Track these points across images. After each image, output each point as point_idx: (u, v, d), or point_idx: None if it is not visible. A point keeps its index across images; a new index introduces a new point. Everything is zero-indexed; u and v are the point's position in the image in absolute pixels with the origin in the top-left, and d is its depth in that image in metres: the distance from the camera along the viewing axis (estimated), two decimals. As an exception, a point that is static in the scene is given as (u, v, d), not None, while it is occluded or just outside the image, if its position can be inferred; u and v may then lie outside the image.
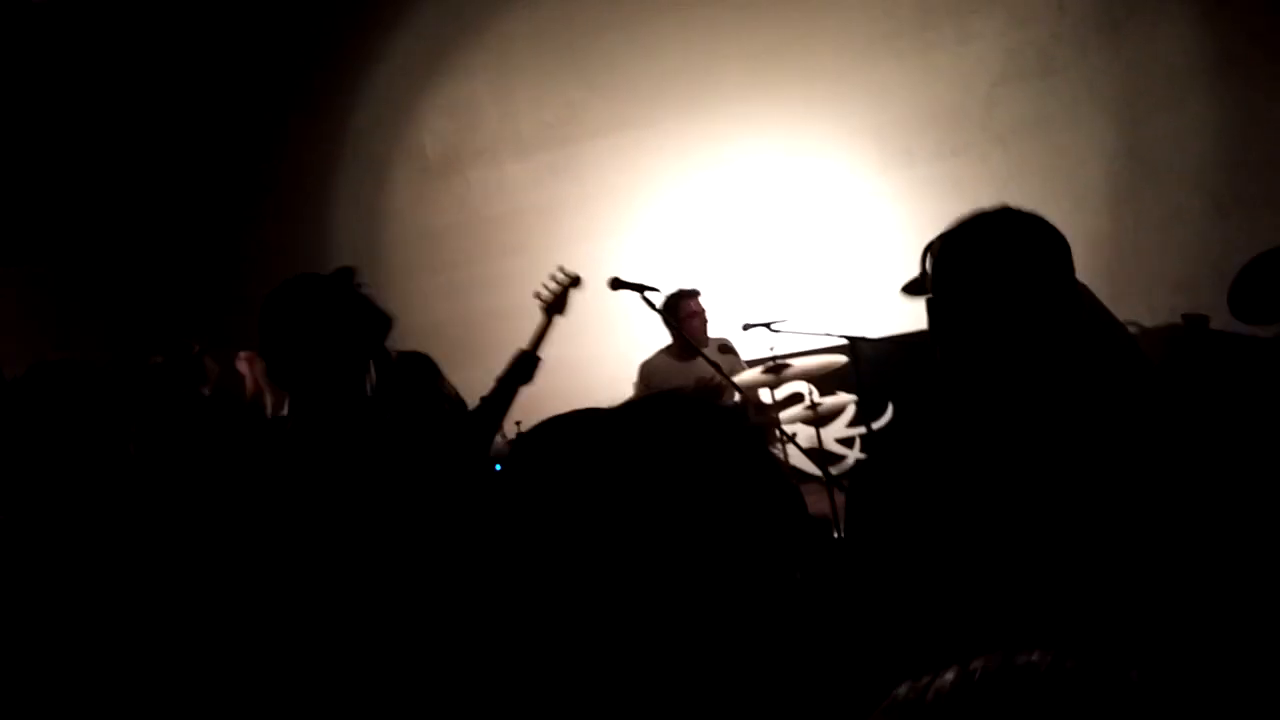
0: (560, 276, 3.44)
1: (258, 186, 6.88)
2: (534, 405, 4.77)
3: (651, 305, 4.31)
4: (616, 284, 4.16)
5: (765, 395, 4.93)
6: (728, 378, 4.62)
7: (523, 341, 3.41)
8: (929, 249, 1.68)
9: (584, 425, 1.13)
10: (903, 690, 0.64)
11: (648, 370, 5.16)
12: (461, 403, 3.25)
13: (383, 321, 2.98)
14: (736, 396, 4.75)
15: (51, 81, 6.49)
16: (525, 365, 3.25)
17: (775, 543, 1.10)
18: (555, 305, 3.41)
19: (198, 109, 6.82)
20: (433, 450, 2.33)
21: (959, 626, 1.45)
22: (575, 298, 3.47)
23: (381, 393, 2.15)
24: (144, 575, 1.96)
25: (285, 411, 4.17)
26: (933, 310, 1.66)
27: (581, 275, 3.50)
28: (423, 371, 3.17)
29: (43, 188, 6.48)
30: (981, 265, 1.60)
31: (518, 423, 4.76)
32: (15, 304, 6.32)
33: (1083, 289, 3.72)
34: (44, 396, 2.06)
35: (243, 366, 4.20)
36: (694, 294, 5.09)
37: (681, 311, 4.98)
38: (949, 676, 0.63)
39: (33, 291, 6.44)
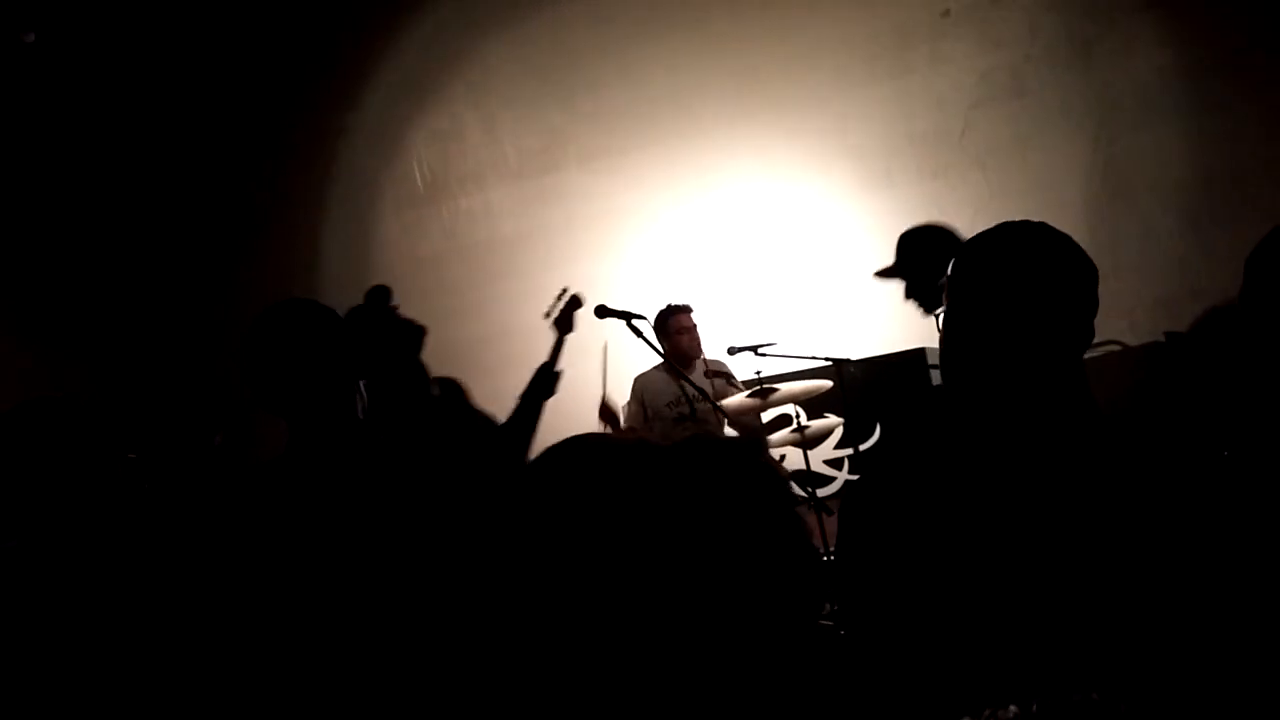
0: (564, 298, 3.64)
1: (248, 216, 6.90)
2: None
3: (637, 332, 4.35)
4: (602, 312, 4.20)
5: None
6: (713, 401, 4.65)
7: (515, 364, 3.51)
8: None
9: (615, 456, 1.14)
10: None
11: (639, 385, 5.23)
12: (493, 421, 3.34)
13: (415, 332, 3.07)
14: (727, 421, 4.79)
15: (41, 114, 6.49)
16: (545, 379, 3.36)
17: (790, 594, 1.12)
18: (562, 324, 3.59)
19: (188, 140, 6.84)
20: (454, 469, 2.37)
21: (956, 652, 1.44)
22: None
23: (384, 414, 2.18)
24: (141, 603, 1.98)
25: None
26: (947, 318, 1.60)
27: (580, 295, 3.68)
28: (454, 394, 3.26)
29: (33, 216, 6.48)
30: (1004, 283, 1.54)
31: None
32: (5, 337, 6.29)
33: None
34: (29, 434, 2.08)
35: None
36: (683, 309, 5.13)
37: (670, 327, 5.05)
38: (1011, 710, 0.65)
39: (22, 321, 6.42)
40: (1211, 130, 5.43)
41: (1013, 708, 0.66)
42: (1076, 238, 1.63)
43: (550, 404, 3.39)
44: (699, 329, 5.16)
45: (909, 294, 3.67)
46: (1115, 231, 5.49)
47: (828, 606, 3.99)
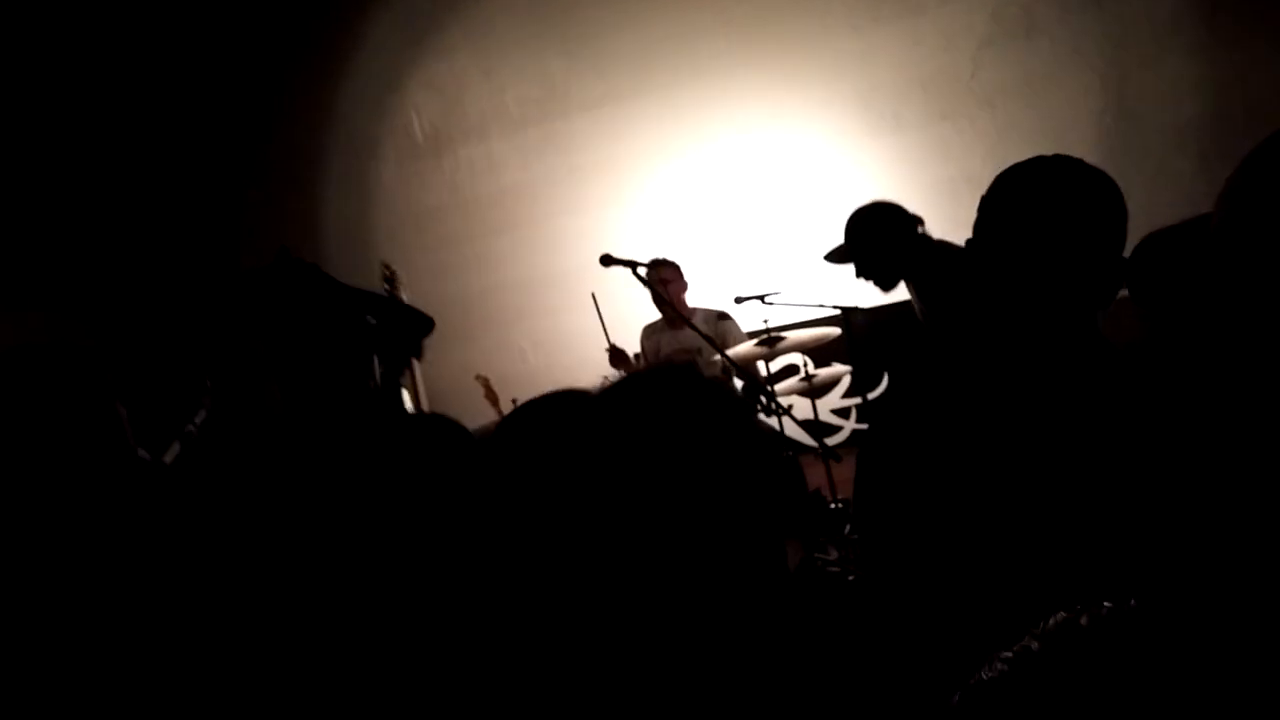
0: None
1: (246, 170, 6.84)
2: (530, 382, 4.77)
3: (642, 280, 4.33)
4: (607, 260, 4.18)
5: (760, 368, 4.93)
6: (718, 347, 4.62)
7: (518, 317, 3.48)
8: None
9: (570, 407, 1.12)
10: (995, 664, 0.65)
11: (643, 335, 5.27)
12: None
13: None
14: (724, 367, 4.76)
15: (34, 60, 6.42)
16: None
17: (770, 517, 1.09)
18: None
19: (184, 94, 6.76)
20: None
21: (977, 605, 1.43)
22: (568, 273, 3.56)
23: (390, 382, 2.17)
24: (142, 567, 1.95)
25: None
26: (973, 254, 1.56)
27: (571, 251, 3.64)
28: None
29: (30, 170, 6.43)
30: (1033, 218, 1.50)
31: (514, 400, 4.78)
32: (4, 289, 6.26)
33: None
34: (24, 380, 2.05)
35: None
36: (660, 264, 5.06)
37: (649, 280, 5.04)
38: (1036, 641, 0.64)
39: (20, 275, 6.38)
40: (1224, 67, 5.35)
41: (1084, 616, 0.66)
42: (1087, 179, 1.59)
43: (557, 359, 3.37)
44: (679, 281, 5.10)
45: (860, 273, 3.62)
46: (1127, 172, 5.33)
47: (833, 552, 3.98)
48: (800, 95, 6.03)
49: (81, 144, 6.58)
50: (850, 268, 3.62)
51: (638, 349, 5.30)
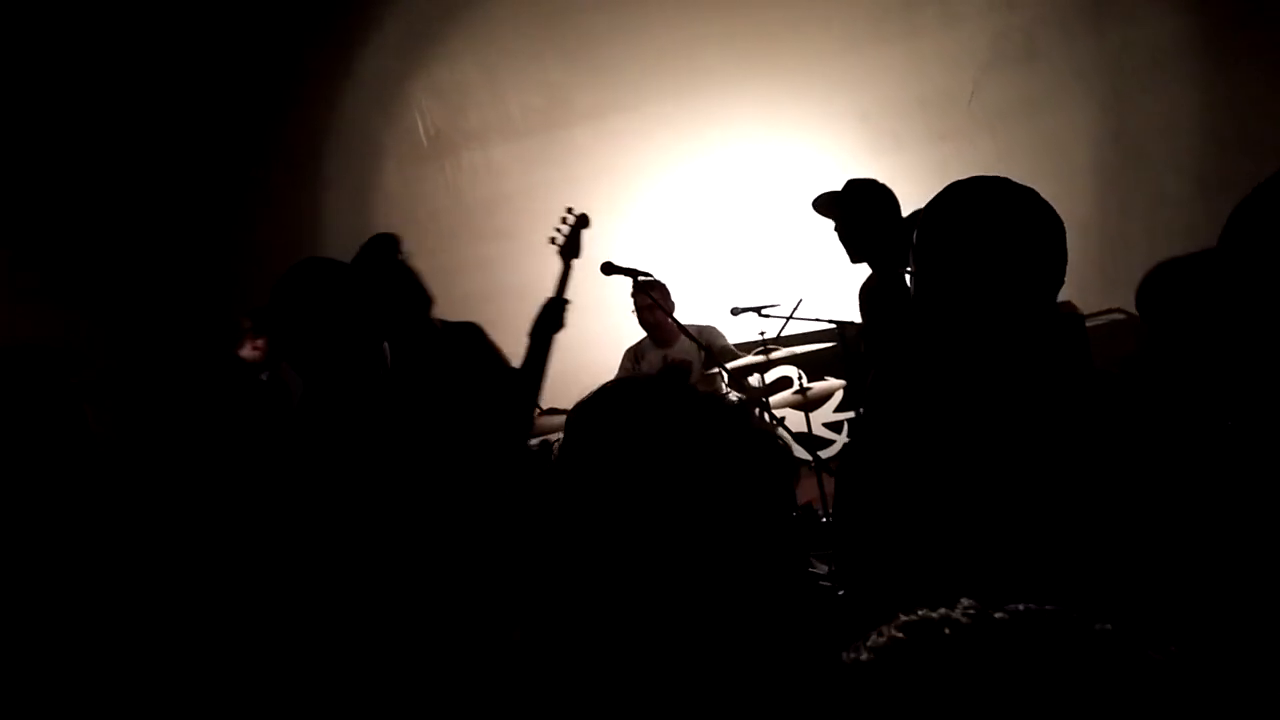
0: (570, 219, 3.53)
1: (248, 172, 6.84)
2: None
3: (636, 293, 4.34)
4: (609, 269, 4.18)
5: (755, 380, 4.95)
6: (717, 360, 4.62)
7: (513, 321, 3.45)
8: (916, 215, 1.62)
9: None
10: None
11: (625, 356, 5.27)
12: (507, 363, 3.28)
13: (423, 298, 3.02)
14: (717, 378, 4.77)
15: (41, 64, 6.42)
16: (554, 310, 3.27)
17: (772, 523, 1.10)
18: (569, 248, 3.48)
19: (188, 96, 6.77)
20: (480, 417, 2.33)
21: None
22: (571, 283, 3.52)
23: (412, 368, 2.17)
24: (131, 566, 1.96)
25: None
26: (915, 278, 1.59)
27: (586, 215, 3.56)
28: (471, 340, 3.18)
29: (34, 170, 6.42)
30: (969, 240, 1.52)
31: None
32: (6, 286, 6.24)
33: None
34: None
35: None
36: (650, 284, 4.97)
37: (634, 304, 5.02)
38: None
39: (23, 274, 6.37)
40: (1222, 94, 5.38)
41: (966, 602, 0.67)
42: (1086, 204, 1.64)
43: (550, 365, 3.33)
44: (667, 302, 5.08)
45: (841, 237, 3.60)
46: (1124, 197, 5.44)
47: (827, 567, 4.00)
48: (801, 110, 6.05)
49: (86, 143, 6.57)
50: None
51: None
